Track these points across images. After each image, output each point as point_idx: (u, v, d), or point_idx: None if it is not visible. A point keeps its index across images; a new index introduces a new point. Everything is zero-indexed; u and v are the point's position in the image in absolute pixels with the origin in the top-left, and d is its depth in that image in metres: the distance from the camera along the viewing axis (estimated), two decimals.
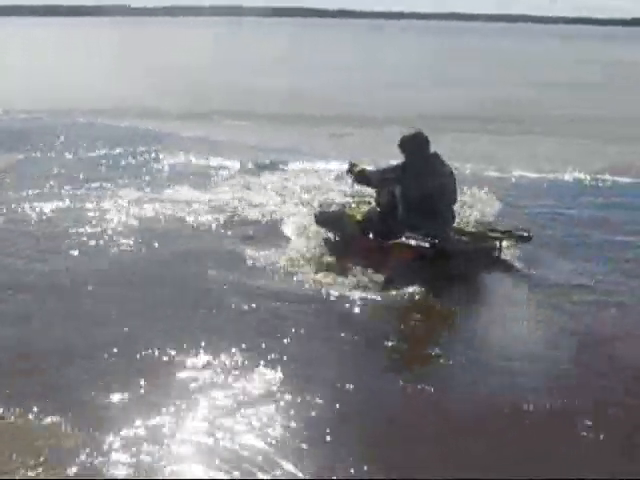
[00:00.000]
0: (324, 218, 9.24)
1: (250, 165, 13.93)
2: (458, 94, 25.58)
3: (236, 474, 4.65)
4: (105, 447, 4.82)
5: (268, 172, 13.34)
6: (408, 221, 8.13)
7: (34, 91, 23.63)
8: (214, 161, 14.43)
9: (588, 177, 13.35)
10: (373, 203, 8.92)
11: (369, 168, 8.91)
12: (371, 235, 8.53)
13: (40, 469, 4.59)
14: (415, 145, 8.26)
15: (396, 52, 49.95)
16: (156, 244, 9.18)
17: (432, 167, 8.23)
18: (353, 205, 9.49)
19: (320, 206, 10.36)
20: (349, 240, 8.71)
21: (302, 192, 11.79)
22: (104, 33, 76.63)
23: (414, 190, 8.05)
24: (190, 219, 10.25)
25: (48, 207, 10.62)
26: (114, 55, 38.78)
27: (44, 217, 10.26)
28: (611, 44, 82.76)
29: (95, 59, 35.56)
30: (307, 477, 4.65)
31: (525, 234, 8.45)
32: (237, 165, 13.96)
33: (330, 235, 9.08)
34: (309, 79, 30.20)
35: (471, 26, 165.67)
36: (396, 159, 8.51)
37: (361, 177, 8.74)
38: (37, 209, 10.53)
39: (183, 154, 14.94)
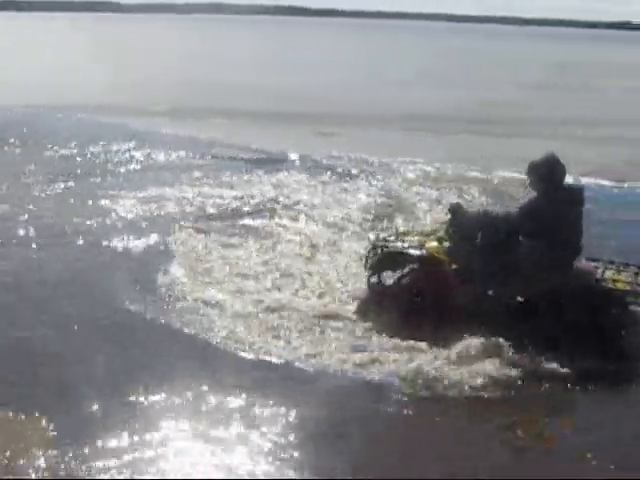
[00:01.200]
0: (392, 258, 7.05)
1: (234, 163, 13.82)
2: (443, 94, 25.55)
3: None
4: None
5: (253, 173, 13.24)
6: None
7: (13, 85, 23.31)
8: (191, 158, 14.35)
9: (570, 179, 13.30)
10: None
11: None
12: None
13: None
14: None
15: (379, 51, 49.82)
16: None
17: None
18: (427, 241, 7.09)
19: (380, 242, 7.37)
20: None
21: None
22: (87, 29, 76.00)
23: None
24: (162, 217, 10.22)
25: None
26: (98, 51, 38.42)
27: None
28: (594, 46, 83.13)
29: (79, 55, 35.14)
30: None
31: None
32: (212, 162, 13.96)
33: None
34: (292, 77, 30.06)
35: (456, 27, 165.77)
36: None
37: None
38: None
39: (161, 152, 14.75)
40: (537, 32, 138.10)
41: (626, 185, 13.33)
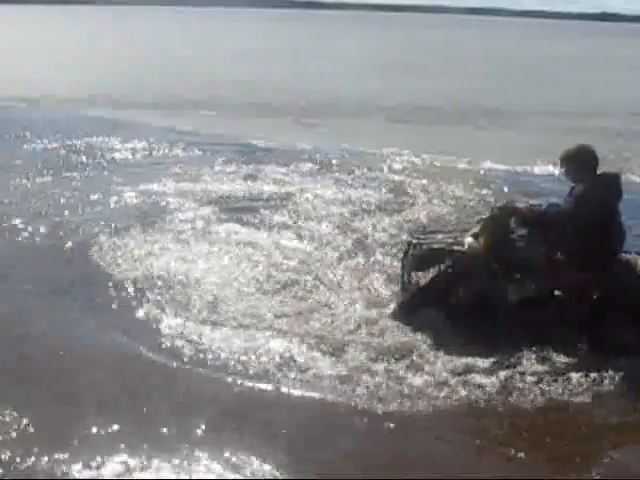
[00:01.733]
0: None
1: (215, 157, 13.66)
2: (425, 84, 25.49)
3: None
4: None
5: (235, 164, 13.08)
6: None
7: None
8: (170, 152, 14.16)
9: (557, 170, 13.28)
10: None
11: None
12: None
13: None
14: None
15: (359, 43, 49.61)
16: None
17: None
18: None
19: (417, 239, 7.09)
20: None
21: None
22: (75, 21, 75.57)
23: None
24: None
25: None
26: (85, 44, 38.21)
27: None
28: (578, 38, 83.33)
29: (66, 48, 34.99)
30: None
31: None
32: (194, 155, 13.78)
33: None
34: (278, 68, 29.89)
35: (438, 18, 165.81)
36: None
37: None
38: None
39: (140, 144, 14.53)
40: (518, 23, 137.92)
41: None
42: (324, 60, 33.85)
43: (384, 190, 11.57)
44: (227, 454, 4.72)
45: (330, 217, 9.94)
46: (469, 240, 6.61)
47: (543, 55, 45.64)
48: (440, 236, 6.97)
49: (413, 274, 6.85)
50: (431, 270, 6.68)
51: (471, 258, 6.52)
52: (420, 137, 15.97)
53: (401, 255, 7.23)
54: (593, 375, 5.80)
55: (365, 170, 12.85)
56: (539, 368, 5.92)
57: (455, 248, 6.60)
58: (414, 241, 6.97)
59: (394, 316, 6.64)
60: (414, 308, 6.62)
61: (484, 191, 11.65)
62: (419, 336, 6.31)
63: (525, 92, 25.29)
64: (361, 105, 20.11)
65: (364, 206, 10.59)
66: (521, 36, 78.44)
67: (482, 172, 13.15)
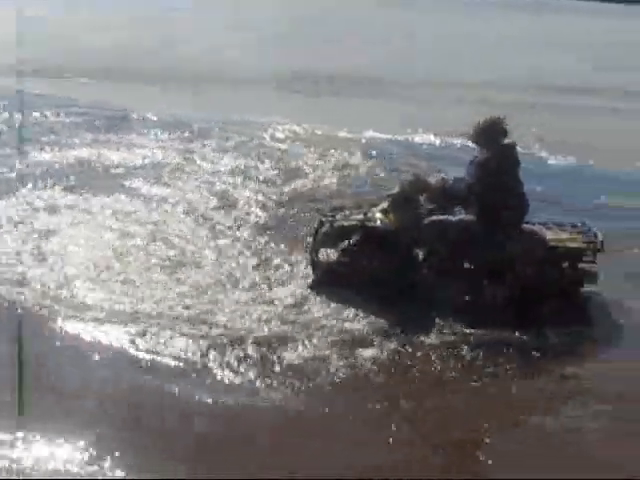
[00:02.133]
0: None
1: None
2: (315, 54, 25.24)
3: None
4: None
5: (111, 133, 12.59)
6: None
7: None
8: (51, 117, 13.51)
9: (439, 139, 13.45)
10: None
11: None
12: None
13: None
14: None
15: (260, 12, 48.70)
16: None
17: None
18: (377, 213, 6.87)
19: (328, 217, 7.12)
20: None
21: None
22: None
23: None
24: None
25: None
26: None
27: None
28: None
29: None
30: None
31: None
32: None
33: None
34: (168, 36, 28.76)
35: None
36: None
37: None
38: None
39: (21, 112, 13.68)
40: None
41: None
42: (221, 30, 32.90)
43: (268, 160, 11.34)
44: None
45: (211, 188, 9.65)
46: (379, 216, 6.63)
47: (452, 31, 45.95)
48: (349, 212, 6.99)
49: (323, 251, 6.87)
50: (340, 246, 6.75)
51: (382, 233, 6.55)
52: (302, 106, 15.75)
53: (311, 233, 7.19)
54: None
55: (245, 139, 12.58)
56: (434, 340, 5.98)
57: (368, 224, 6.62)
58: (323, 219, 6.94)
59: (310, 290, 6.63)
60: (326, 285, 6.62)
61: (370, 161, 11.62)
62: (322, 313, 6.28)
63: (419, 64, 25.26)
64: (246, 74, 19.66)
65: (246, 176, 10.34)
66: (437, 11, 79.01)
67: (364, 141, 13.08)
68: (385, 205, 6.68)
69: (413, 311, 6.29)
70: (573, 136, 13.38)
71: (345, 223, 6.73)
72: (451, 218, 6.61)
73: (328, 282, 6.61)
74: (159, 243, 7.70)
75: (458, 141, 13.34)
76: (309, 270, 6.95)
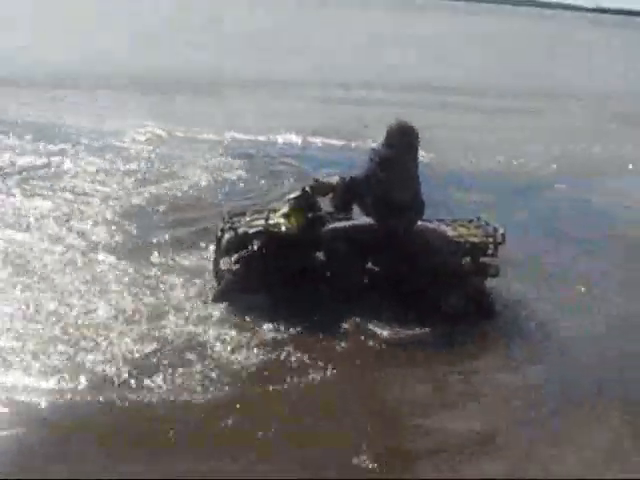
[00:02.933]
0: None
1: None
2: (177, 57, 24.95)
3: None
4: None
5: None
6: None
7: None
8: None
9: (300, 139, 13.62)
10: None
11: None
12: None
13: None
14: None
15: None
16: None
17: None
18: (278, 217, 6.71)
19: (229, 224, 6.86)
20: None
21: None
22: None
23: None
24: None
25: None
26: None
27: None
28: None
29: None
30: None
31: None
32: None
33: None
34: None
35: None
36: None
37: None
38: None
39: None
40: None
41: (353, 145, 13.67)
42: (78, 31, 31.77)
43: (133, 163, 11.17)
44: None
45: (71, 193, 9.42)
46: (282, 221, 6.54)
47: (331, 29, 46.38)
48: (249, 218, 6.82)
49: (225, 259, 6.71)
50: (242, 253, 6.57)
51: (284, 237, 6.48)
52: (162, 109, 15.49)
53: (211, 240, 6.99)
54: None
55: (107, 143, 12.30)
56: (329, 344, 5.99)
57: (272, 230, 6.50)
58: (225, 226, 6.75)
59: (214, 302, 6.44)
60: (232, 294, 6.47)
61: (237, 161, 11.66)
62: (222, 324, 6.13)
63: (283, 63, 25.37)
64: (106, 77, 19.12)
65: (105, 181, 10.14)
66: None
67: (226, 142, 13.12)
68: (286, 210, 6.62)
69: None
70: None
71: (249, 230, 6.58)
72: (350, 222, 6.66)
73: (232, 291, 6.49)
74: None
75: (318, 140, 13.67)
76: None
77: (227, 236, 6.64)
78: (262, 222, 6.61)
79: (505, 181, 11.78)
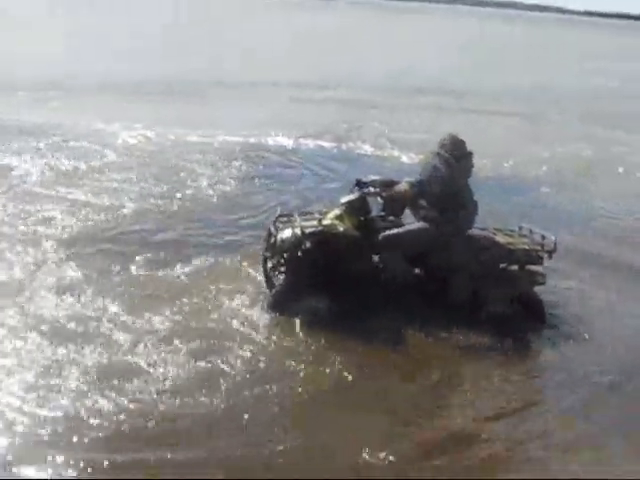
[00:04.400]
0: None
1: None
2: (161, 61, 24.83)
3: None
4: None
5: None
6: None
7: None
8: None
9: (291, 142, 13.59)
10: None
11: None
12: None
13: None
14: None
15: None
16: None
17: None
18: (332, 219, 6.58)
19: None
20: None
21: None
22: None
23: None
24: None
25: None
26: None
27: None
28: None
29: None
30: None
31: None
32: None
33: None
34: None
35: None
36: None
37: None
38: None
39: None
40: None
41: (344, 146, 13.71)
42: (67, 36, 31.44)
43: (126, 166, 11.13)
44: None
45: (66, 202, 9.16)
46: (336, 222, 6.42)
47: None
48: (298, 220, 6.66)
49: (276, 263, 6.58)
50: (293, 254, 6.39)
51: (342, 238, 6.36)
52: (151, 111, 15.37)
53: (262, 245, 6.84)
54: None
55: (97, 146, 12.18)
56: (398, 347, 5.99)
57: (331, 230, 6.37)
58: (272, 229, 6.64)
59: (269, 309, 6.33)
60: (288, 298, 6.36)
61: (230, 163, 11.65)
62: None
63: (267, 65, 25.33)
64: (98, 81, 18.98)
65: (105, 184, 10.04)
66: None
67: (217, 145, 13.02)
68: (338, 212, 6.48)
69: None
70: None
71: (307, 230, 6.39)
72: (405, 228, 6.61)
73: (284, 298, 6.37)
74: None
75: (308, 141, 13.66)
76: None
77: (280, 236, 6.45)
78: (315, 223, 6.47)
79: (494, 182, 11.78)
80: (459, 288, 6.43)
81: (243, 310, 6.34)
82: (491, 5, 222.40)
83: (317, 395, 5.25)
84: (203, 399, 5.04)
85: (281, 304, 6.32)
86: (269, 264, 6.65)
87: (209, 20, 51.23)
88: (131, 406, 4.88)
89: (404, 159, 12.62)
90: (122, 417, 4.74)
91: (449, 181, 6.40)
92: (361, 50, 33.98)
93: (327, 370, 5.56)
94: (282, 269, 6.52)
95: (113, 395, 4.97)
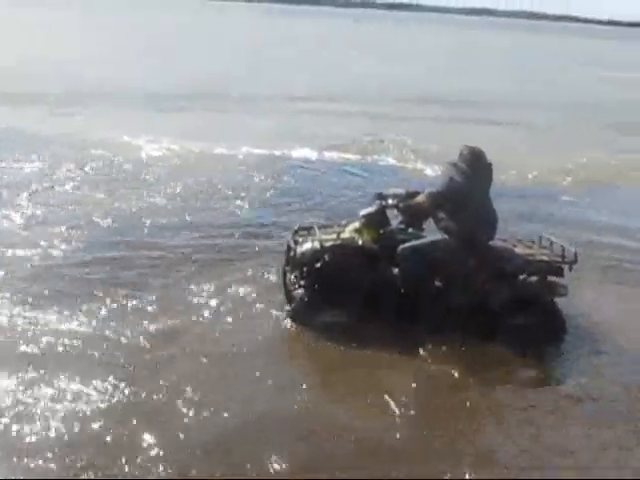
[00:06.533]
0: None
1: None
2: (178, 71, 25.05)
3: None
4: None
5: None
6: None
7: None
8: None
9: (315, 153, 13.68)
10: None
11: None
12: None
13: None
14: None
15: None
16: None
17: None
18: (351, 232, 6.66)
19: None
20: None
21: None
22: None
23: None
24: None
25: None
26: None
27: None
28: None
29: None
30: None
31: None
32: None
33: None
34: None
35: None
36: None
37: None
38: None
39: None
40: None
41: (369, 159, 13.79)
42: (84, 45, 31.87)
43: (152, 179, 11.29)
44: None
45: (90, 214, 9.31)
46: (355, 235, 6.50)
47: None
48: (318, 232, 6.74)
49: (295, 276, 6.67)
50: (313, 267, 6.46)
51: (361, 251, 6.43)
52: (174, 124, 15.54)
53: (283, 258, 6.89)
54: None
55: (121, 159, 12.35)
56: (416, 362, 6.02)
57: (350, 243, 6.45)
58: (291, 242, 6.73)
59: (292, 319, 6.45)
60: (308, 311, 6.43)
61: (258, 176, 11.75)
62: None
63: (272, 78, 25.44)
64: (120, 93, 19.23)
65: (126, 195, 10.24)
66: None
67: (241, 157, 13.13)
68: (357, 225, 6.56)
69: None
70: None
71: (326, 243, 6.45)
72: (426, 240, 6.61)
73: (304, 311, 6.44)
74: None
75: (333, 154, 13.73)
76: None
77: (300, 249, 6.54)
78: (334, 236, 6.55)
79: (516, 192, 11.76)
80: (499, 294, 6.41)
81: (264, 322, 6.45)
82: (498, 15, 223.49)
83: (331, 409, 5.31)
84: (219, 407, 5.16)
85: (301, 317, 6.40)
86: (289, 277, 6.73)
87: (229, 32, 51.60)
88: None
89: (428, 171, 12.63)
90: None
91: (466, 192, 6.39)
92: (366, 61, 34.02)
93: (343, 383, 5.67)
94: (302, 282, 6.57)
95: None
